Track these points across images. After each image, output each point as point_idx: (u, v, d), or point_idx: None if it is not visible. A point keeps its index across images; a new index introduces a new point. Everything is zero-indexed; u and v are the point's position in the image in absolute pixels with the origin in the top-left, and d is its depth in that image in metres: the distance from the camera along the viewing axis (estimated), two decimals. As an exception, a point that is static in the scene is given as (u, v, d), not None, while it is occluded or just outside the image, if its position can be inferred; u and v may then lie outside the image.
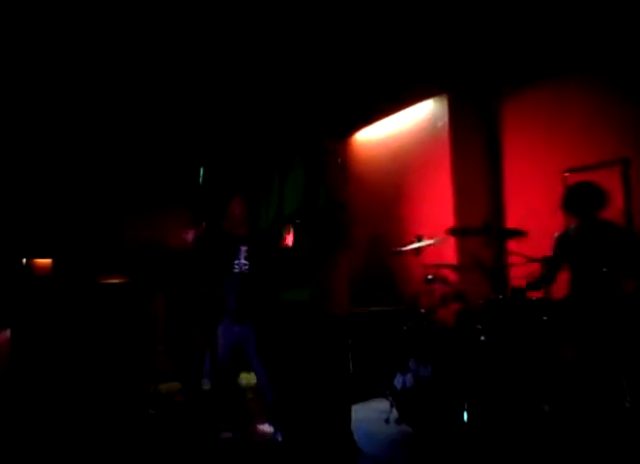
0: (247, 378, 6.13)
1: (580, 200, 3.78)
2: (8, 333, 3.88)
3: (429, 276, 4.39)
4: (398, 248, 4.71)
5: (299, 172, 2.31)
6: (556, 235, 3.97)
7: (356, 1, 4.00)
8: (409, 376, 3.91)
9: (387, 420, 3.99)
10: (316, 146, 2.35)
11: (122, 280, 5.79)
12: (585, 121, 4.65)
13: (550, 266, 3.93)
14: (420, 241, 4.43)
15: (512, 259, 4.27)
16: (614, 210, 3.97)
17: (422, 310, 4.30)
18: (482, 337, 3.72)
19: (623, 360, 3.40)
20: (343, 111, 6.14)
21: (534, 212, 4.71)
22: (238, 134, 6.16)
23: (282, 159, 2.43)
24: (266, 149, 2.48)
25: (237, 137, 6.17)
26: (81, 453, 3.45)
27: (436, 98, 5.63)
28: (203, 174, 2.45)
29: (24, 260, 7.82)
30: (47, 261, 8.19)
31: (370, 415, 4.22)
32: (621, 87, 4.42)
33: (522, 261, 3.94)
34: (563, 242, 3.92)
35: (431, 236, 4.67)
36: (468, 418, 3.43)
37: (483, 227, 4.03)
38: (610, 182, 4.11)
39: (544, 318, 3.64)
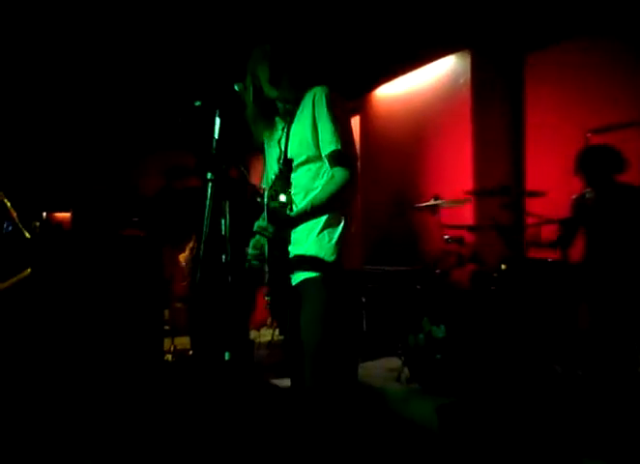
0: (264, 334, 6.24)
1: (596, 163, 3.70)
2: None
3: (446, 237, 4.36)
4: (415, 206, 4.68)
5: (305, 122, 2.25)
6: (573, 197, 3.91)
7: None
8: (422, 336, 3.92)
9: (398, 379, 4.02)
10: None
11: (140, 234, 5.80)
12: (610, 82, 4.48)
13: (566, 228, 3.88)
14: (437, 200, 4.38)
15: (530, 220, 4.21)
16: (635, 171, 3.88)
17: (438, 271, 4.29)
18: (497, 299, 3.71)
19: (637, 325, 3.37)
20: (363, 66, 6.01)
21: (555, 172, 4.61)
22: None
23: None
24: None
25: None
26: (101, 401, 3.54)
27: (458, 54, 5.47)
28: (219, 124, 2.37)
29: (44, 213, 7.93)
30: (66, 215, 8.30)
31: (381, 372, 4.27)
32: None
33: (540, 222, 3.89)
34: (579, 204, 3.86)
35: (450, 195, 4.62)
36: (479, 378, 3.45)
37: (501, 188, 3.97)
38: (635, 143, 4.00)
39: (559, 280, 3.62)
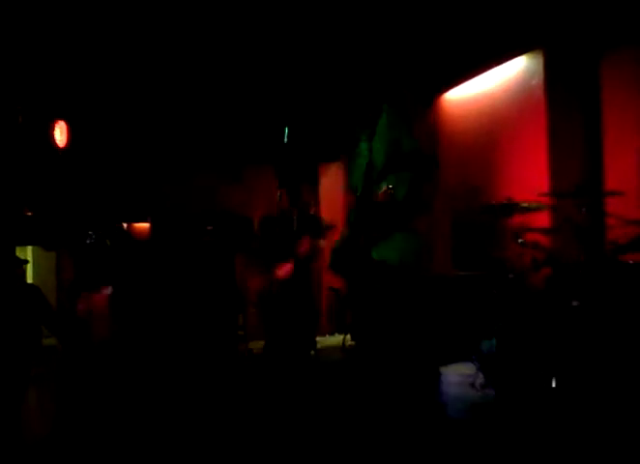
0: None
1: None
2: (109, 290, 4.16)
3: (520, 240, 4.26)
4: (488, 208, 4.60)
5: (383, 125, 2.31)
6: None
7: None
8: (496, 341, 3.85)
9: (472, 384, 3.96)
10: (401, 98, 2.34)
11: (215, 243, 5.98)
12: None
13: None
14: (510, 202, 4.29)
15: (610, 222, 4.06)
16: None
17: (511, 275, 4.19)
18: (575, 303, 3.59)
19: None
20: (435, 69, 5.99)
21: (636, 172, 4.43)
22: (323, 92, 6.13)
23: (369, 117, 2.42)
24: (354, 107, 2.48)
25: (322, 95, 6.15)
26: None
27: (530, 54, 5.35)
28: (287, 134, 2.47)
29: (125, 224, 8.29)
30: (145, 225, 8.64)
31: (456, 378, 4.21)
32: None
33: (620, 224, 3.74)
34: None
35: (524, 197, 4.51)
36: (556, 385, 3.35)
37: (578, 189, 3.86)
38: None
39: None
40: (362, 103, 2.42)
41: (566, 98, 5.20)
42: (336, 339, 6.13)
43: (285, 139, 2.42)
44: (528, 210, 4.30)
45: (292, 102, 6.15)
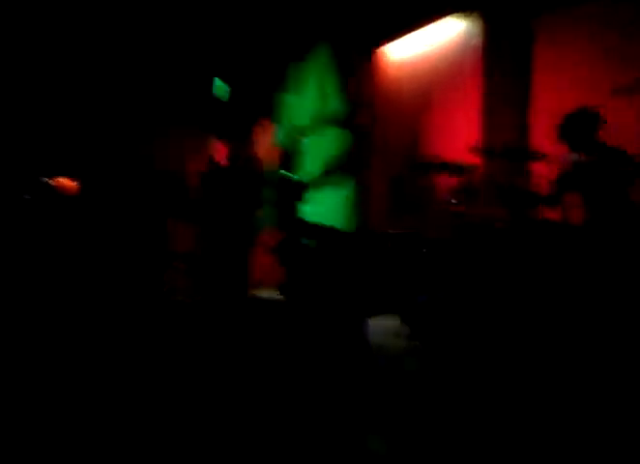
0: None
1: (576, 128, 3.70)
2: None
3: (452, 200, 4.37)
4: (419, 167, 4.69)
5: (314, 75, 2.22)
6: (565, 158, 3.88)
7: None
8: (424, 295, 3.98)
9: (397, 335, 4.09)
10: (337, 48, 2.26)
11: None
12: (622, 46, 4.42)
13: (557, 188, 3.88)
14: (443, 163, 4.39)
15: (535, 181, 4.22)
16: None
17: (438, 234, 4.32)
18: (501, 260, 3.74)
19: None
20: (369, 22, 5.92)
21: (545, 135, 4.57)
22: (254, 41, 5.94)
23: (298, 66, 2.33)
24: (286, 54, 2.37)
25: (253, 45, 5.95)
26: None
27: (469, 16, 5.40)
28: (228, 91, 2.35)
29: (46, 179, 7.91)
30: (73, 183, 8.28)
31: (381, 329, 4.33)
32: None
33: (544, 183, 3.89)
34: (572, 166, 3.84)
35: (458, 158, 4.61)
36: (477, 338, 3.51)
37: (505, 150, 3.98)
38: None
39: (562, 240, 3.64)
40: (293, 51, 2.33)
41: (501, 60, 5.28)
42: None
43: (215, 91, 2.33)
44: (457, 169, 4.40)
45: (224, 51, 5.94)
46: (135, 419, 2.54)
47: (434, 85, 5.78)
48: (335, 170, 2.17)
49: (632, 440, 2.33)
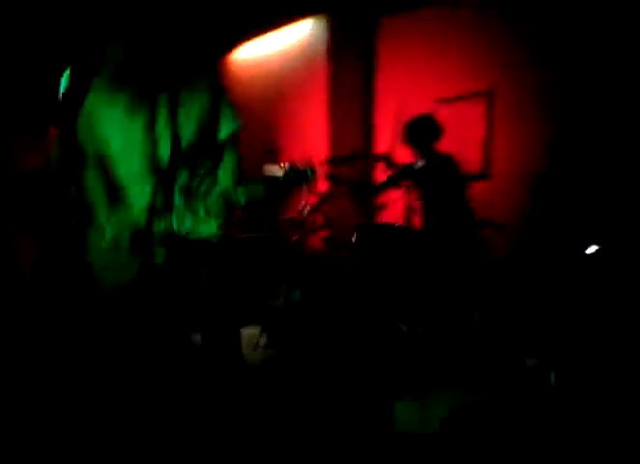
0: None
1: (420, 133, 3.92)
2: None
3: (302, 205, 4.42)
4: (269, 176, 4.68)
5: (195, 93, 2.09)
6: (404, 164, 4.07)
7: None
8: (280, 302, 3.99)
9: (255, 346, 4.07)
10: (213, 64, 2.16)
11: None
12: (458, 52, 4.70)
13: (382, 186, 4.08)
14: (291, 168, 4.41)
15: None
16: (476, 139, 4.15)
17: (295, 237, 4.36)
18: (348, 263, 3.85)
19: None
20: (218, 29, 5.83)
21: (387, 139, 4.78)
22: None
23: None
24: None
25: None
26: None
27: (316, 19, 5.46)
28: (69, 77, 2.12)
29: None
30: None
31: (244, 341, 4.29)
32: (492, 20, 4.50)
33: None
34: (407, 172, 4.02)
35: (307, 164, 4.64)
36: (333, 340, 3.59)
37: (352, 155, 4.09)
38: (476, 112, 4.28)
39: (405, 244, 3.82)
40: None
41: (346, 65, 5.41)
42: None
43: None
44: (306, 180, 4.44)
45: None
46: None
47: (284, 88, 5.81)
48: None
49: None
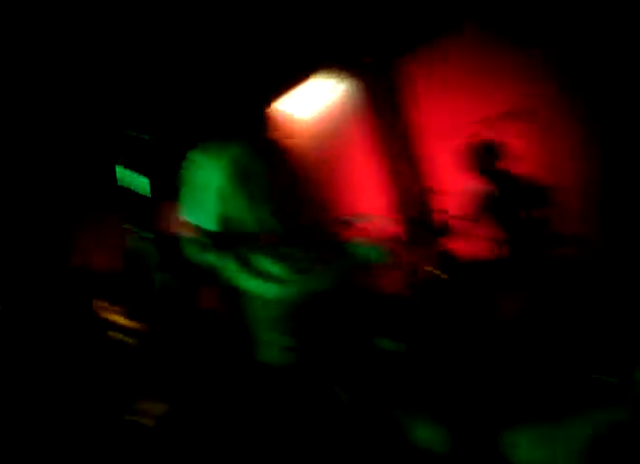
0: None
1: (480, 157, 3.84)
2: None
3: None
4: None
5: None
6: (468, 190, 3.96)
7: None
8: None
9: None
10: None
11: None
12: (497, 72, 4.63)
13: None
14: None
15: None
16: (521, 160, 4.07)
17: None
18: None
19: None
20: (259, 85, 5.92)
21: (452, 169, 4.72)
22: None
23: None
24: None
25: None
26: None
27: (343, 73, 5.50)
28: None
29: None
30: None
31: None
32: (519, 39, 4.43)
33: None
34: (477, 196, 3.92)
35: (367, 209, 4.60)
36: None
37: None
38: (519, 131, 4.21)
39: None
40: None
41: (380, 106, 5.40)
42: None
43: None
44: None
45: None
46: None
47: (329, 142, 5.82)
48: None
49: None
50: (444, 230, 4.08)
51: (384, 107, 5.39)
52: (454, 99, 4.87)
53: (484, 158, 3.80)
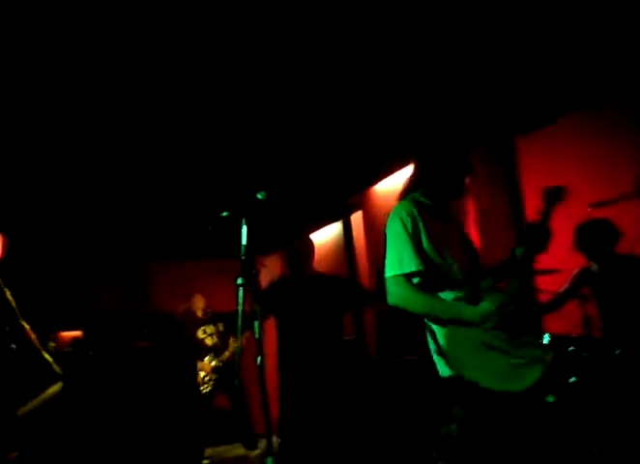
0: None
1: (594, 238, 3.84)
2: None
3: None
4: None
5: None
6: (576, 271, 3.99)
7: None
8: (454, 426, 3.85)
9: None
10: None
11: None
12: (599, 155, 4.70)
13: (561, 297, 3.97)
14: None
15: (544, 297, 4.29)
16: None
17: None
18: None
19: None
20: (364, 163, 6.26)
21: (562, 249, 4.72)
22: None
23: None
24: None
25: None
26: None
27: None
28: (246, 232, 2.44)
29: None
30: (76, 333, 8.20)
31: None
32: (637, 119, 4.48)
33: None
34: (583, 277, 3.93)
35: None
36: None
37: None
38: (632, 214, 4.18)
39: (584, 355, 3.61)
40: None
41: (488, 184, 5.50)
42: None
43: (244, 240, 2.43)
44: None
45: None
46: None
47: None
48: None
49: None
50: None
51: (491, 183, 5.50)
52: (566, 178, 4.91)
53: (600, 238, 3.82)
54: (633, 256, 3.83)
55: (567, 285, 4.00)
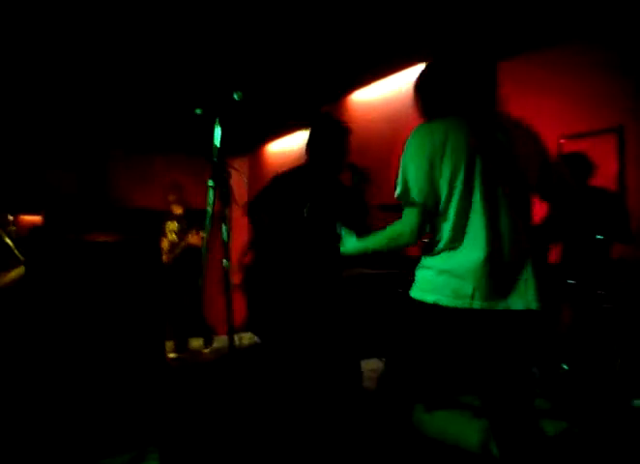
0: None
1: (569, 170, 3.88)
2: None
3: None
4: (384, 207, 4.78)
5: None
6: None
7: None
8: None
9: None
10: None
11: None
12: (579, 89, 4.68)
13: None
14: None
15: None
16: (607, 176, 4.07)
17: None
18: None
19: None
20: (339, 72, 6.10)
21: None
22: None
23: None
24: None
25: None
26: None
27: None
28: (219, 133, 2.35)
29: (10, 217, 7.67)
30: (36, 218, 8.07)
31: (368, 374, 4.33)
32: (615, 55, 4.45)
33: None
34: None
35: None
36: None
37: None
38: (605, 148, 4.20)
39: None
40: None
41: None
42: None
43: (217, 141, 2.36)
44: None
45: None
46: None
47: (400, 128, 5.93)
48: None
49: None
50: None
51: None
52: (542, 110, 4.90)
53: (576, 171, 3.85)
54: (605, 190, 3.89)
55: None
